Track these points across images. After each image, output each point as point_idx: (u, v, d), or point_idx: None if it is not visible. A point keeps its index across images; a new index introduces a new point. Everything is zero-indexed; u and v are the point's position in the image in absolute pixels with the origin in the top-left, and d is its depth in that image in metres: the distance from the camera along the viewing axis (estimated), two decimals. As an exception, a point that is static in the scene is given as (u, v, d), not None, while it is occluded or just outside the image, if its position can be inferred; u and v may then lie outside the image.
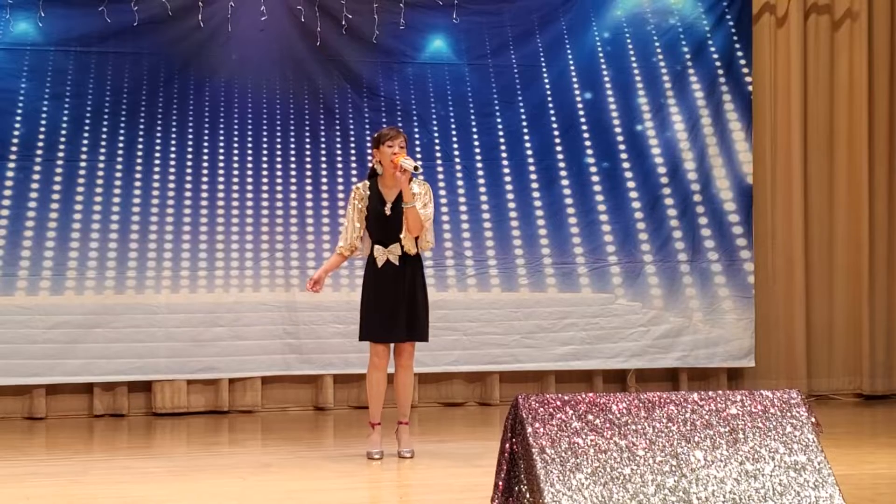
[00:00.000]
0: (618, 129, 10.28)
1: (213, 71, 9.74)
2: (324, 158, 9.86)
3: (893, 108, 10.63)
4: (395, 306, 7.16)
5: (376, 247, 7.23)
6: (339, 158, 9.89)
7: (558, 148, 10.19)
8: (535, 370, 10.09)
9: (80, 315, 9.38)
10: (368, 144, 9.74)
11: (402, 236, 7.18)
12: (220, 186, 9.71)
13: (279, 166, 9.80)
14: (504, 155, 10.15)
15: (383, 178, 7.29)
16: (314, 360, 9.73)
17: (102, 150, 9.54)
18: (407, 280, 7.19)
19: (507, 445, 4.63)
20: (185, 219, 9.62)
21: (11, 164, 9.38)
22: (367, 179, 7.41)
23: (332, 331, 9.64)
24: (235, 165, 9.76)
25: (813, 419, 4.72)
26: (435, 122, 10.05)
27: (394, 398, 7.40)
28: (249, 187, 9.76)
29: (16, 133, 9.40)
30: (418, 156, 9.83)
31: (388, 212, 7.21)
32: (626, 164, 10.28)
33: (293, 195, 9.80)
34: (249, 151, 9.77)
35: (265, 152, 9.79)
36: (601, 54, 10.29)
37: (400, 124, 9.73)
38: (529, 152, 10.17)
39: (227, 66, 9.76)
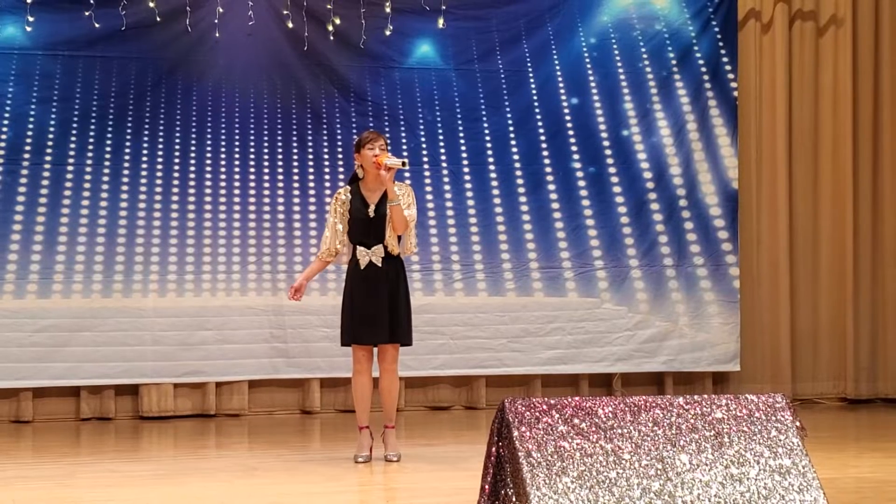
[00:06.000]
0: (604, 135, 10.31)
1: (201, 75, 9.75)
2: (311, 163, 9.88)
3: (877, 113, 10.67)
4: (377, 308, 7.17)
5: (359, 248, 7.23)
6: (327, 163, 9.91)
7: (545, 153, 10.23)
8: (521, 374, 10.12)
9: (67, 318, 9.38)
10: (354, 149, 9.77)
11: (387, 235, 7.20)
12: (208, 190, 9.72)
13: (266, 171, 9.82)
14: (491, 159, 10.17)
15: (365, 182, 7.32)
16: (301, 364, 9.74)
17: (90, 155, 9.54)
18: (390, 282, 7.21)
19: (494, 449, 4.65)
20: (173, 222, 9.63)
21: (-1, 168, 9.39)
22: (348, 184, 7.43)
23: (319, 335, 9.66)
24: (223, 169, 9.77)
25: (797, 423, 4.74)
26: (422, 127, 10.07)
27: (379, 402, 7.41)
28: (237, 191, 9.77)
29: (3, 137, 9.40)
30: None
31: (371, 214, 7.23)
32: (612, 169, 10.31)
33: (280, 199, 9.82)
34: (237, 156, 9.79)
35: (252, 156, 9.80)
36: (587, 60, 10.32)
37: (387, 129, 9.76)
38: (516, 157, 10.20)
39: (215, 71, 9.77)
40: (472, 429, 9.20)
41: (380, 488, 6.75)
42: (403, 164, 7.13)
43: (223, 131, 9.78)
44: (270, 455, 7.70)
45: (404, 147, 9.91)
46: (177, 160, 9.69)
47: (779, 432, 4.69)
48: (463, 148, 10.14)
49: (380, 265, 7.21)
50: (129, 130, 9.63)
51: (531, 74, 10.25)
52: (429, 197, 9.98)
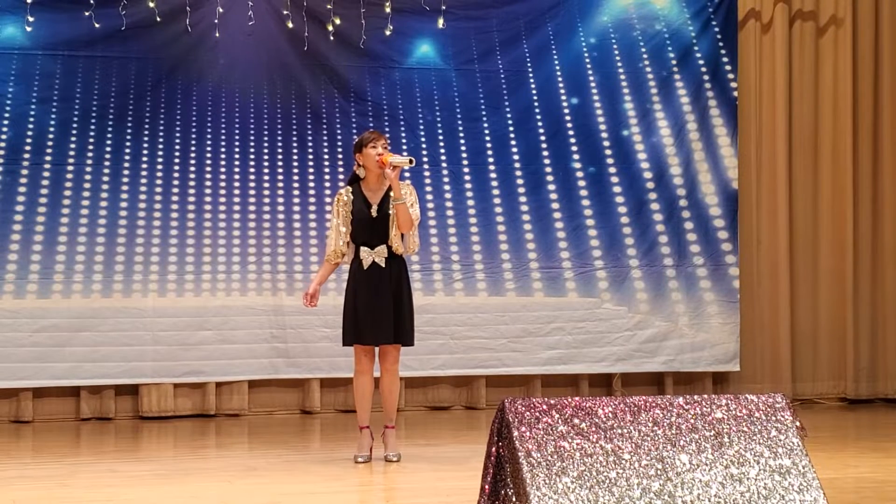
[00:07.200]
0: (604, 135, 10.32)
1: (201, 75, 9.76)
2: (311, 163, 9.88)
3: (877, 113, 10.68)
4: (381, 309, 7.17)
5: (362, 248, 7.23)
6: (326, 163, 9.91)
7: (545, 153, 10.23)
8: (521, 374, 10.12)
9: (66, 318, 9.38)
10: (354, 150, 9.77)
11: (392, 234, 7.19)
12: (208, 190, 9.73)
13: (266, 170, 9.82)
14: (491, 159, 10.18)
15: (367, 182, 7.32)
16: (301, 364, 9.74)
17: (90, 155, 9.55)
18: (393, 282, 7.21)
19: (494, 449, 4.65)
20: (173, 222, 9.64)
21: (-1, 168, 9.40)
22: (348, 185, 7.43)
23: (319, 335, 9.66)
24: (223, 169, 9.77)
25: (797, 423, 4.74)
26: (422, 127, 10.08)
27: (380, 402, 7.41)
28: (237, 191, 9.77)
29: (3, 137, 9.40)
30: (405, 160, 9.87)
31: (374, 213, 7.23)
32: (612, 169, 10.31)
33: (280, 199, 9.82)
34: (237, 155, 9.79)
35: (252, 156, 9.81)
36: (587, 59, 10.33)
37: (387, 129, 9.76)
38: (516, 157, 10.20)
39: (215, 71, 9.78)
40: (472, 429, 9.20)
41: (380, 488, 6.75)
42: (411, 161, 7.13)
43: (223, 131, 9.79)
44: (270, 455, 7.71)
45: (404, 147, 9.91)
46: (177, 160, 9.70)
47: (779, 432, 4.69)
48: (463, 148, 10.15)
49: (383, 266, 7.21)
50: (129, 130, 9.63)
51: (531, 74, 10.25)
52: (429, 197, 9.99)
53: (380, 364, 7.30)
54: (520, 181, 10.19)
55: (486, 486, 4.65)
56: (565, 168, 10.26)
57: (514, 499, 4.53)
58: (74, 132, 9.54)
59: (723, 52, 10.45)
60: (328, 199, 9.76)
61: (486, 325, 10.02)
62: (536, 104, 10.24)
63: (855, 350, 10.54)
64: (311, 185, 9.87)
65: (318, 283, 7.46)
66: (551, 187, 10.22)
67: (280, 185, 9.83)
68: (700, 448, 4.61)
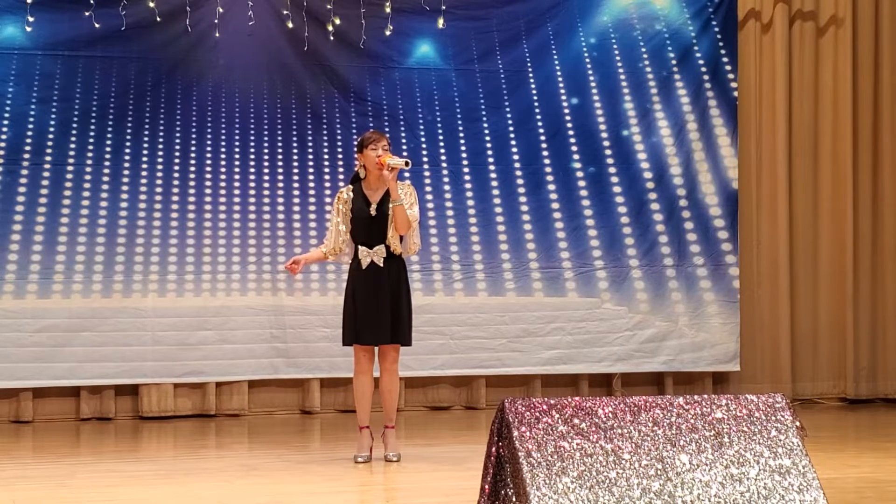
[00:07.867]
0: (604, 135, 10.32)
1: (201, 76, 9.76)
2: (311, 163, 9.89)
3: (877, 113, 10.68)
4: (379, 309, 7.17)
5: (361, 248, 7.24)
6: (326, 163, 9.91)
7: (545, 153, 10.23)
8: (521, 374, 10.12)
9: (67, 318, 9.38)
10: (356, 149, 9.78)
11: (389, 235, 7.20)
12: (208, 190, 9.73)
13: (266, 170, 9.82)
14: (491, 160, 10.18)
15: (367, 182, 7.33)
16: (301, 364, 9.74)
17: (90, 155, 9.55)
18: (391, 282, 7.21)
19: (494, 449, 4.65)
20: (173, 222, 9.64)
21: (-1, 168, 9.40)
22: (350, 184, 7.44)
23: (319, 335, 9.66)
24: (223, 169, 9.77)
25: (797, 423, 4.74)
26: (422, 127, 10.08)
27: (380, 402, 7.41)
28: (236, 191, 9.78)
29: (3, 137, 9.40)
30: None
31: (373, 213, 7.24)
32: (612, 169, 10.31)
33: (280, 199, 9.82)
34: (237, 155, 9.79)
35: (252, 156, 9.81)
36: (587, 60, 10.33)
37: (387, 129, 9.76)
38: (516, 157, 10.20)
39: (215, 71, 9.78)
40: (471, 429, 9.20)
41: (380, 488, 6.75)
42: (406, 163, 7.16)
43: (223, 131, 9.79)
44: (270, 455, 7.70)
45: (404, 147, 9.91)
46: (177, 160, 9.70)
47: (779, 432, 4.69)
48: (463, 148, 10.15)
49: (381, 265, 7.22)
50: (129, 130, 9.63)
51: (531, 74, 10.25)
52: (429, 197, 9.99)
53: (379, 364, 7.31)
54: (520, 181, 10.19)
55: (486, 486, 4.65)
56: (565, 168, 10.26)
57: (514, 499, 4.53)
58: (74, 132, 9.54)
59: (723, 52, 10.45)
60: (328, 199, 9.76)
61: (486, 325, 10.02)
62: (536, 104, 10.24)
63: (855, 350, 10.55)
64: (311, 185, 9.87)
65: (306, 258, 7.54)
66: (551, 187, 10.22)
67: (280, 185, 9.83)
68: (700, 448, 4.61)
